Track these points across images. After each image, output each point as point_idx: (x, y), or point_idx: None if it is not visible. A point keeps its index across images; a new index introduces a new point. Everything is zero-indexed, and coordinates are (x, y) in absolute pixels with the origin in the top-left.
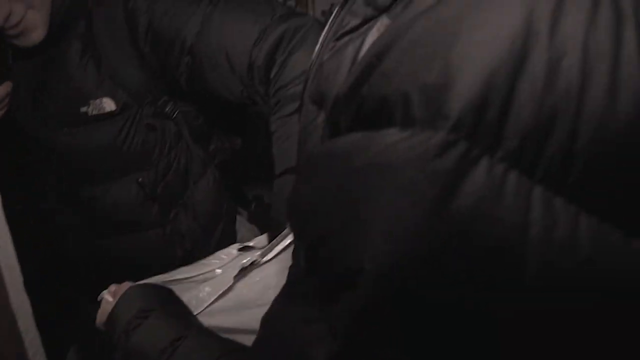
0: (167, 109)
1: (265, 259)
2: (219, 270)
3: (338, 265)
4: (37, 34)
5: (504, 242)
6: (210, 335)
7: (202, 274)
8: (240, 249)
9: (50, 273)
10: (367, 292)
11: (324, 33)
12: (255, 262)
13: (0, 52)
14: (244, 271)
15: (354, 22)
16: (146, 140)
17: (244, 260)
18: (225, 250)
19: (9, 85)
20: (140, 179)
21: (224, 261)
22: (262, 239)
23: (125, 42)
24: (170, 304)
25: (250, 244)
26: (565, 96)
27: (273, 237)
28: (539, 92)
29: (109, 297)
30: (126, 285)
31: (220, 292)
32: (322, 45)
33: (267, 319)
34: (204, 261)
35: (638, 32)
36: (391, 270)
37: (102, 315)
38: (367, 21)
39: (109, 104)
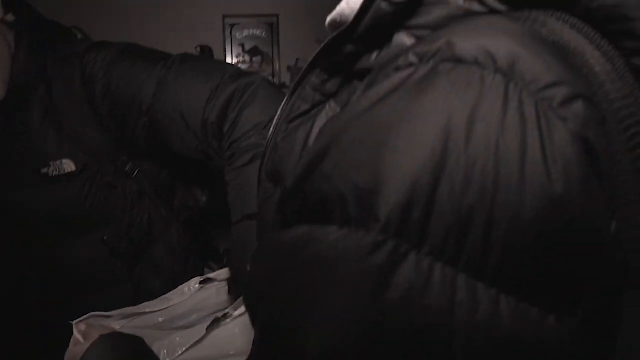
0: (127, 168)
1: (237, 312)
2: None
3: (284, 347)
4: None
5: (432, 327)
6: None
7: (165, 308)
8: (201, 282)
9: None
10: None
11: (277, 115)
12: (228, 314)
13: None
14: (217, 322)
15: (304, 106)
16: (108, 199)
17: (219, 314)
18: (187, 284)
19: None
20: (105, 237)
21: (186, 295)
22: (223, 272)
23: (84, 106)
24: (142, 357)
25: (211, 276)
26: (480, 195)
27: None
28: (458, 193)
29: (80, 337)
30: (97, 328)
31: (193, 342)
32: (275, 126)
33: None
34: (166, 295)
35: (540, 135)
36: (332, 358)
37: (70, 357)
38: (316, 106)
39: (69, 165)
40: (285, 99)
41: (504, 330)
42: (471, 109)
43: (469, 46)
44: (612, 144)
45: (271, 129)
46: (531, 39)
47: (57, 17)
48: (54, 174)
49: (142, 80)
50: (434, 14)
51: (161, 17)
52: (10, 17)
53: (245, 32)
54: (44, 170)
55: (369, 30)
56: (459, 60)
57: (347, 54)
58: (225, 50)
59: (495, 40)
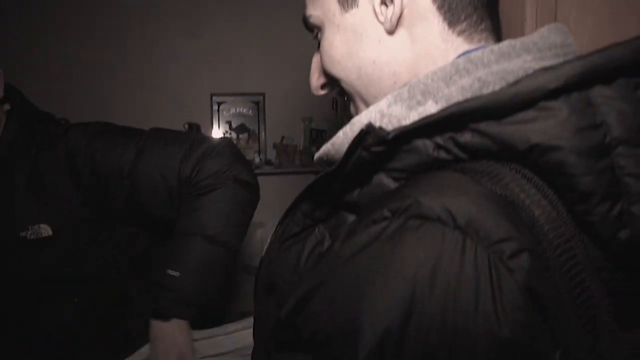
0: (101, 237)
1: None
2: None
3: None
4: None
5: None
6: None
7: None
8: None
9: None
10: None
11: (272, 235)
12: None
13: None
14: None
15: (296, 229)
16: (81, 266)
17: None
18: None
19: None
20: (76, 299)
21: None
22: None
23: (66, 176)
24: None
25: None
26: (442, 338)
27: None
28: (423, 336)
29: None
30: None
31: None
32: (270, 244)
33: None
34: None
35: (492, 285)
36: None
37: None
38: (306, 229)
39: (45, 230)
40: (279, 221)
41: None
42: (434, 262)
43: (433, 205)
44: (557, 286)
45: (266, 245)
46: (486, 199)
47: (49, 97)
48: (32, 237)
49: (121, 151)
50: (407, 160)
51: (151, 94)
52: (7, 107)
53: (232, 110)
54: (22, 234)
55: (351, 172)
56: (424, 218)
57: (333, 190)
58: (212, 127)
59: (455, 200)
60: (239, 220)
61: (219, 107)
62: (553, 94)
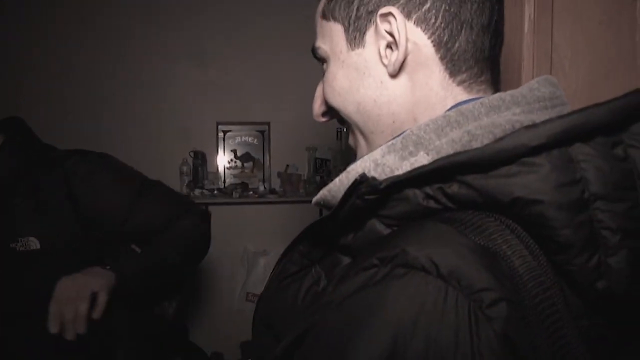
0: (90, 255)
1: None
2: None
3: None
4: None
5: None
6: None
7: None
8: None
9: None
10: None
11: (271, 273)
12: None
13: None
14: None
15: (294, 269)
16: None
17: None
18: None
19: None
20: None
21: None
22: None
23: (63, 199)
24: None
25: None
26: None
27: None
28: None
29: None
30: None
31: None
32: (269, 281)
33: None
34: None
35: (470, 331)
36: None
37: None
38: (304, 269)
39: (34, 243)
40: (277, 261)
41: None
42: (417, 308)
43: (419, 255)
44: (534, 334)
45: (265, 283)
46: (468, 250)
47: (57, 128)
48: (21, 249)
49: (117, 199)
50: (398, 208)
51: (159, 121)
52: (1, 138)
53: (238, 139)
54: (12, 245)
55: (346, 217)
56: (409, 267)
57: (329, 233)
58: (217, 155)
59: (439, 251)
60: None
61: (224, 135)
62: (535, 150)
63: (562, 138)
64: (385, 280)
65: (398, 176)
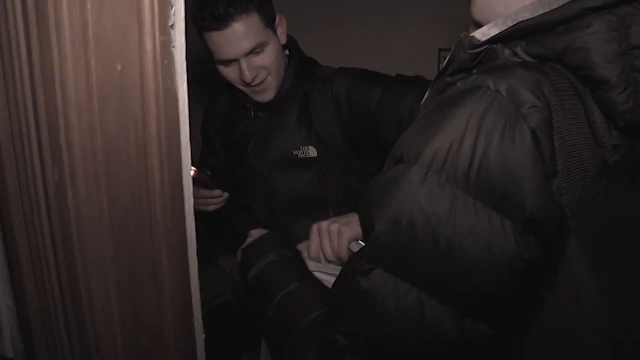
0: (354, 163)
1: None
2: None
3: None
4: (270, 94)
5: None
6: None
7: None
8: None
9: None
10: None
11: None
12: None
13: (245, 109)
14: None
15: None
16: (337, 185)
17: None
18: None
19: (220, 193)
20: (330, 212)
21: None
22: None
23: (331, 113)
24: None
25: None
26: (473, 154)
27: None
28: (462, 155)
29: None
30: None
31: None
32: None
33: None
34: None
35: (515, 124)
36: None
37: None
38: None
39: (312, 151)
40: (424, 99)
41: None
42: (482, 110)
43: (491, 81)
44: (552, 135)
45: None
46: (528, 80)
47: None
48: (301, 156)
49: (370, 91)
50: (493, 62)
51: (383, 47)
52: (286, 52)
53: None
54: (295, 152)
55: (456, 69)
56: (480, 86)
57: (447, 81)
58: None
59: (505, 80)
60: None
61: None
62: (585, 12)
63: (612, 2)
64: (463, 93)
65: (490, 36)
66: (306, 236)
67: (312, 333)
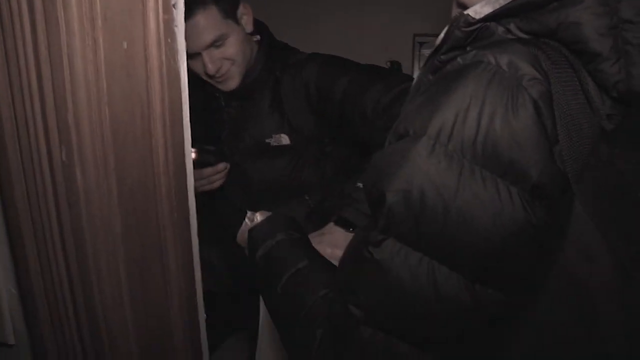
0: (327, 149)
1: None
2: None
3: None
4: (233, 82)
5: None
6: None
7: None
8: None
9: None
10: None
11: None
12: None
13: (216, 98)
14: None
15: (424, 79)
16: (310, 171)
17: None
18: None
19: (227, 165)
20: (307, 197)
21: None
22: None
23: (302, 100)
24: (296, 233)
25: None
26: (478, 124)
27: None
28: (467, 125)
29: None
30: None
31: None
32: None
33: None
34: None
35: (518, 95)
36: None
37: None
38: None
39: (285, 139)
40: (417, 76)
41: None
42: (486, 82)
43: (488, 54)
44: (552, 105)
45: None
46: (523, 53)
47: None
48: (274, 144)
49: (337, 79)
50: (487, 40)
51: (357, 32)
52: (257, 37)
53: None
54: (267, 140)
55: (451, 47)
56: (481, 61)
57: (441, 59)
58: (413, 67)
59: (506, 55)
60: None
61: (420, 47)
62: None
63: None
64: (465, 68)
65: (484, 14)
66: None
67: (321, 309)
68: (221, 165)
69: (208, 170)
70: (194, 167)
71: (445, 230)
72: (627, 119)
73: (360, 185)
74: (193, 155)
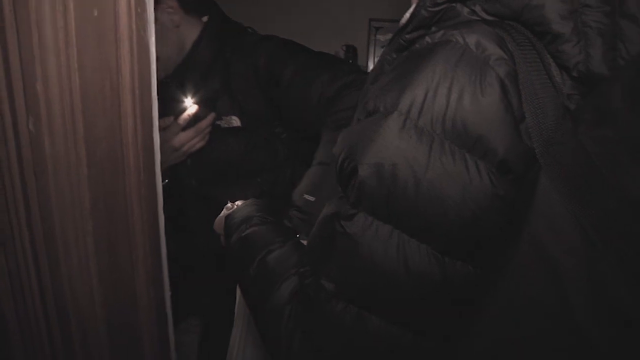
0: (277, 130)
1: None
2: None
3: None
4: (160, 74)
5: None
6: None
7: None
8: None
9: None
10: None
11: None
12: None
13: (165, 84)
14: None
15: (388, 58)
16: (262, 154)
17: None
18: None
19: (213, 116)
20: (259, 179)
21: None
22: None
23: (252, 81)
24: (270, 217)
25: None
26: (447, 103)
27: None
28: (437, 103)
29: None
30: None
31: None
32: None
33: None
34: None
35: (483, 75)
36: None
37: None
38: (387, 59)
39: (236, 121)
40: (380, 55)
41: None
42: (454, 61)
43: (456, 33)
44: (518, 82)
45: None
46: (489, 34)
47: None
48: (224, 126)
49: (284, 66)
50: (452, 20)
51: (311, 16)
52: (205, 19)
53: (389, 35)
54: (218, 122)
55: (416, 26)
56: (449, 40)
57: (406, 39)
58: (368, 51)
59: (474, 35)
60: None
61: (376, 32)
62: None
63: None
64: (433, 47)
65: None
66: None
67: (292, 287)
68: (212, 115)
69: (204, 123)
70: (189, 125)
71: (416, 203)
72: (588, 99)
73: (307, 197)
74: (195, 108)
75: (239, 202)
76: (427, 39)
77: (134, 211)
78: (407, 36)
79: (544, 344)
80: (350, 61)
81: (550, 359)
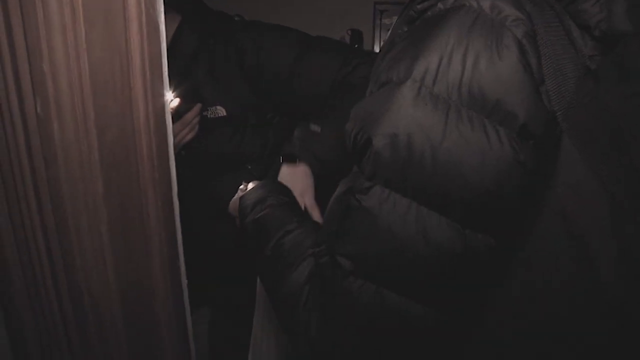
0: (268, 116)
1: None
2: None
3: None
4: None
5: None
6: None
7: None
8: None
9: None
10: None
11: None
12: None
13: None
14: None
15: (401, 29)
16: (251, 141)
17: None
18: None
19: (199, 107)
20: (249, 167)
21: None
22: None
23: (236, 68)
24: (285, 197)
25: None
26: (463, 67)
27: None
28: (451, 69)
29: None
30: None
31: None
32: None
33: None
34: None
35: (501, 38)
36: None
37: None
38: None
39: (221, 111)
40: (391, 29)
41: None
42: (468, 29)
43: (474, 0)
44: (537, 44)
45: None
46: None
47: (222, 6)
48: (211, 116)
49: (282, 54)
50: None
51: (315, 2)
52: (178, 18)
53: (394, 19)
54: (204, 113)
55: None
56: (462, 5)
57: (417, 9)
58: (374, 36)
59: None
60: None
61: (381, 15)
62: None
63: None
64: (446, 12)
65: None
66: (229, 192)
67: (309, 267)
68: (198, 105)
69: (190, 115)
70: (175, 119)
71: (434, 174)
72: (610, 55)
73: (313, 126)
74: (177, 101)
75: (251, 184)
76: (440, 5)
77: (149, 197)
78: (419, 6)
79: (576, 320)
80: (357, 45)
81: (585, 336)
